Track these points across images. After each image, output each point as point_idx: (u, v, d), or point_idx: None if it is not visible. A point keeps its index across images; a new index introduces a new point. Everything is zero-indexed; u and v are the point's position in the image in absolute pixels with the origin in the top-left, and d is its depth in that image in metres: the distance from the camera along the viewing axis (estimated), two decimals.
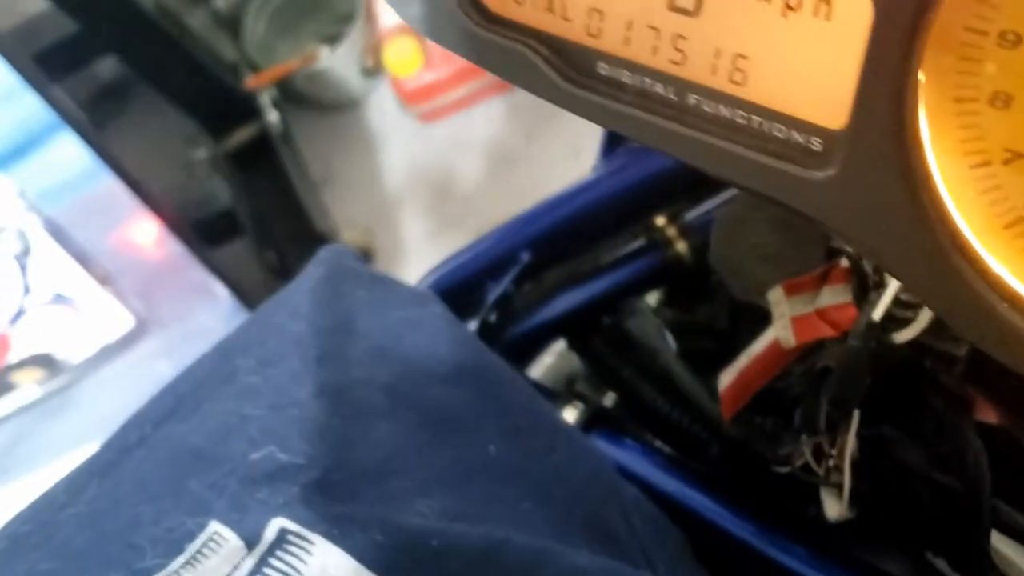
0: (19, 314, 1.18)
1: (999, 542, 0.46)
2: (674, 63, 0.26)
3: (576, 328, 0.60)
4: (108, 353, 1.24)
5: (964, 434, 0.46)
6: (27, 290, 1.17)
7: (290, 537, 0.32)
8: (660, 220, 0.57)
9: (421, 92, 1.95)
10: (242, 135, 1.77)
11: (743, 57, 0.25)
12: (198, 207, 1.65)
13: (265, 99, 1.82)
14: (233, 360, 0.40)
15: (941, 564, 0.49)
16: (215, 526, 0.33)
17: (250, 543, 0.33)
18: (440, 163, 1.98)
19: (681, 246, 0.57)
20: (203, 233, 1.47)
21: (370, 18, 1.97)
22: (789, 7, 0.23)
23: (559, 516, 0.37)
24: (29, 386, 1.23)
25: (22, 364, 1.21)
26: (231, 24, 1.93)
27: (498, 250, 0.58)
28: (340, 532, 0.32)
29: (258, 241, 1.63)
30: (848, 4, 0.22)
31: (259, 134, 1.79)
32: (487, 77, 1.96)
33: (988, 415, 0.47)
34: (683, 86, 0.26)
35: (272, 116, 1.80)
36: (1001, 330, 0.23)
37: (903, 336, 0.38)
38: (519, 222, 0.58)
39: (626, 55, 0.26)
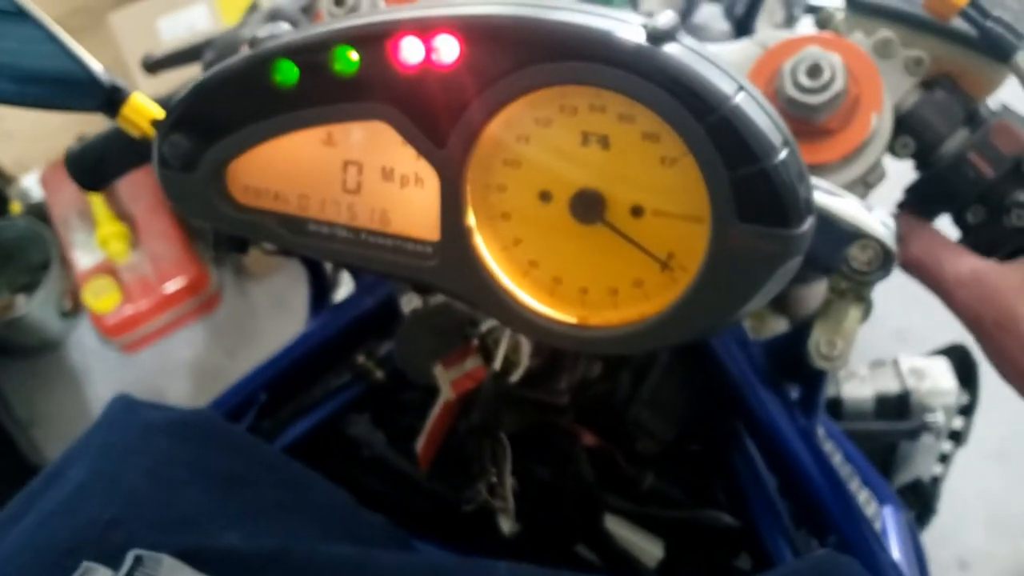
0: None
1: (611, 523, 0.70)
2: (351, 218, 0.49)
3: (310, 451, 0.78)
4: None
5: (577, 455, 0.70)
6: None
7: (144, 559, 0.48)
8: (361, 358, 0.79)
9: (122, 325, 2.05)
10: None
11: (385, 210, 0.48)
12: None
13: None
14: (67, 469, 0.56)
15: (584, 551, 0.72)
16: (86, 564, 0.48)
17: (115, 569, 0.48)
18: (147, 388, 2.07)
19: (379, 374, 0.78)
20: None
21: (65, 262, 2.07)
22: (403, 183, 0.47)
23: (323, 530, 0.56)
24: None
25: None
26: None
27: (241, 394, 0.76)
28: (179, 552, 0.49)
29: None
30: (429, 178, 0.46)
31: None
32: (185, 304, 2.12)
33: (590, 441, 0.72)
34: (357, 230, 0.49)
35: None
36: (523, 322, 0.47)
37: (514, 377, 0.62)
38: (256, 371, 0.77)
39: (324, 217, 0.49)
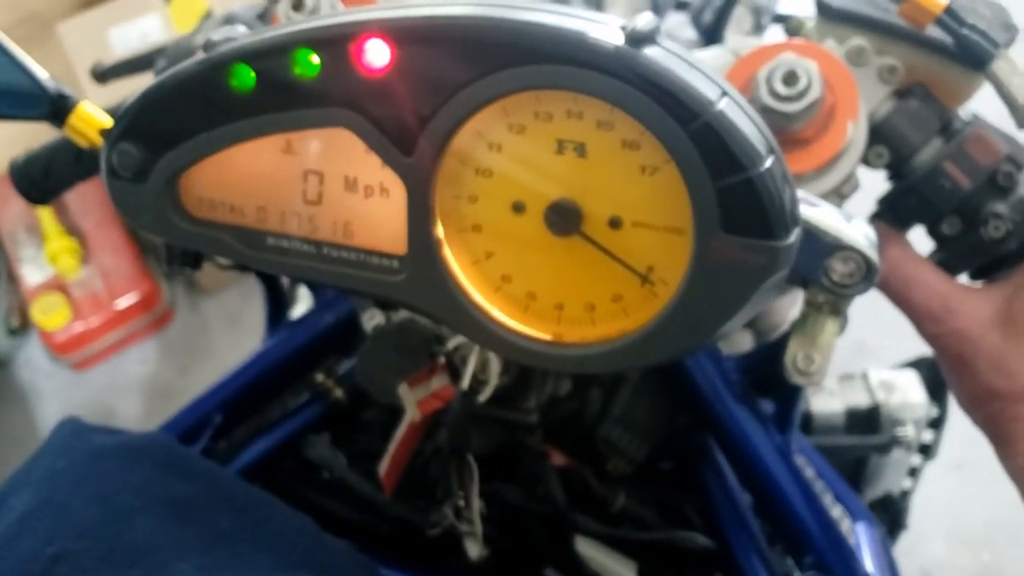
0: None
1: (582, 545, 0.67)
2: (312, 231, 0.46)
3: (266, 472, 0.75)
4: None
5: (547, 475, 0.68)
6: None
7: None
8: (319, 376, 0.76)
9: (72, 342, 2.00)
10: None
11: (349, 223, 0.45)
12: None
13: None
14: (8, 498, 0.52)
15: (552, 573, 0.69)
16: None
17: None
18: (99, 406, 2.01)
19: (339, 392, 0.76)
20: None
21: (13, 279, 2.01)
22: (367, 194, 0.44)
23: (282, 559, 0.53)
24: None
25: None
26: None
27: (195, 415, 0.73)
28: None
29: None
30: (396, 188, 0.44)
31: None
32: (137, 320, 2.07)
33: (559, 460, 0.70)
34: (318, 243, 0.46)
35: None
36: (495, 339, 0.44)
37: (483, 396, 0.59)
38: (210, 391, 0.74)
39: (283, 230, 0.46)
